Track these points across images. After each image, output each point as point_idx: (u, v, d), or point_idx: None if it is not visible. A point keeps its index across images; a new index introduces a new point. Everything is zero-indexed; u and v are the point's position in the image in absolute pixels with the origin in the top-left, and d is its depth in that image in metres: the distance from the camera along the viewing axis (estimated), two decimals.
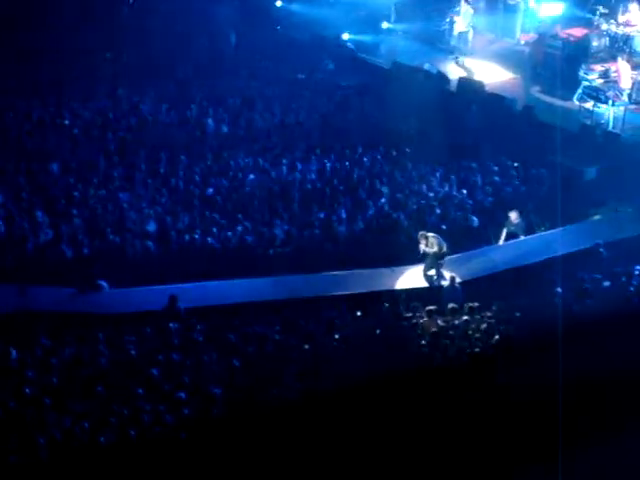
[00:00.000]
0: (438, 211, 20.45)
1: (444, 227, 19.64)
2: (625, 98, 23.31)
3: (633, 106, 23.42)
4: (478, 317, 16.71)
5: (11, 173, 21.05)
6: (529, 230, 19.87)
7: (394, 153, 22.91)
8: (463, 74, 25.83)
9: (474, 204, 20.90)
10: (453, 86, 25.22)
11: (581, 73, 24.15)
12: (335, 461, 9.59)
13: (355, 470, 9.54)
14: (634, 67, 23.91)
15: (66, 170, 21.34)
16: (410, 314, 17.08)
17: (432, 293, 18.15)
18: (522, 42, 27.39)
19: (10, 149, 22.09)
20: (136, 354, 15.24)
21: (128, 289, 17.70)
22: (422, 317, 16.87)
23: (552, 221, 19.84)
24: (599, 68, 24.33)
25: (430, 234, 18.55)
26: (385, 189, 21.24)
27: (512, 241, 19.58)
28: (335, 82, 26.94)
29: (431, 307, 17.10)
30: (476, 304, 17.04)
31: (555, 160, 21.32)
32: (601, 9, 26.28)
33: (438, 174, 22.05)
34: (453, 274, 18.18)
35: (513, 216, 19.52)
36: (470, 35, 26.94)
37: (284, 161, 22.39)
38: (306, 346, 15.72)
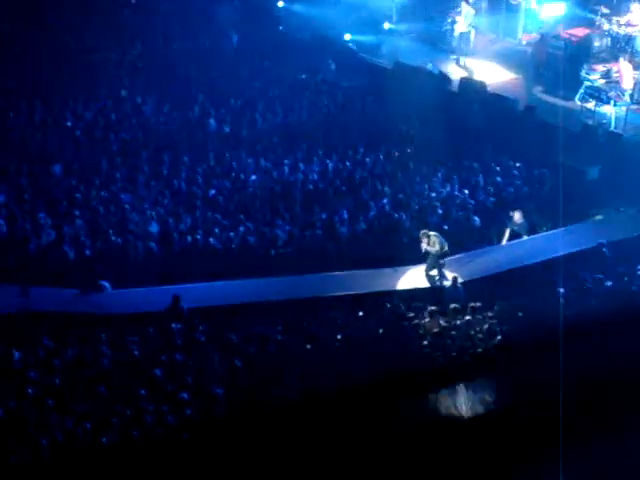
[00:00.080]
0: (440, 211, 20.47)
1: (446, 227, 19.64)
2: (627, 98, 23.31)
3: (635, 106, 23.41)
4: (480, 317, 16.72)
5: (13, 174, 21.09)
6: (532, 230, 19.89)
7: (396, 153, 22.93)
8: (465, 74, 25.83)
9: (476, 204, 20.91)
10: (455, 86, 25.21)
11: (583, 73, 24.14)
12: (336, 460, 9.61)
13: (356, 469, 9.57)
14: (636, 67, 23.89)
15: (68, 171, 21.38)
16: (412, 314, 17.08)
17: (434, 293, 18.16)
18: (524, 42, 27.38)
19: (12, 150, 22.12)
20: (139, 355, 15.26)
21: (130, 290, 17.73)
22: (424, 317, 16.89)
23: (554, 221, 19.86)
24: (601, 68, 24.32)
25: (432, 233, 18.59)
26: (387, 189, 21.27)
27: (514, 241, 19.60)
28: (337, 82, 26.93)
29: (433, 307, 17.12)
30: (478, 304, 17.04)
31: (557, 160, 21.32)
32: (603, 9, 26.29)
33: (440, 174, 22.06)
34: (455, 274, 18.18)
35: (517, 216, 19.55)
36: (472, 35, 26.92)
37: (286, 162, 22.41)
38: (308, 346, 15.74)
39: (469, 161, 22.64)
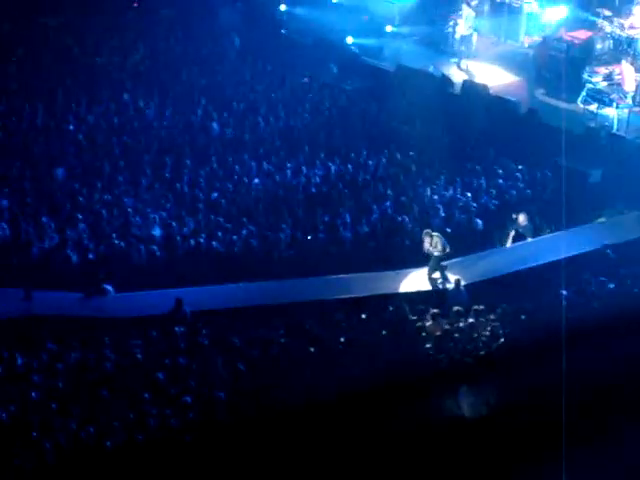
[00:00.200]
0: (442, 214, 20.48)
1: (449, 230, 19.65)
2: (629, 100, 23.32)
3: (637, 108, 23.40)
4: (483, 320, 16.72)
5: (16, 178, 21.10)
6: (536, 232, 19.91)
7: (398, 156, 22.93)
8: (467, 77, 25.84)
9: (478, 207, 20.92)
10: (457, 89, 25.20)
11: (585, 76, 24.15)
12: (340, 464, 9.62)
13: (360, 472, 9.57)
14: (638, 69, 23.90)
15: (71, 175, 21.39)
16: (415, 317, 17.09)
17: (437, 296, 18.17)
18: (526, 45, 27.36)
19: (15, 154, 22.13)
20: (142, 358, 15.27)
21: (133, 293, 17.74)
22: (427, 320, 16.89)
23: (557, 224, 19.86)
24: (603, 71, 24.32)
25: (435, 233, 18.64)
26: (390, 192, 21.27)
27: (516, 244, 19.62)
28: (339, 86, 26.93)
29: (436, 310, 17.12)
30: (481, 307, 17.05)
31: (559, 162, 21.34)
32: (605, 12, 26.27)
33: (442, 177, 22.05)
34: (458, 277, 18.20)
35: (521, 218, 19.59)
36: (474, 38, 26.92)
37: (289, 165, 22.41)
38: (311, 349, 15.74)
39: (471, 164, 22.64)
